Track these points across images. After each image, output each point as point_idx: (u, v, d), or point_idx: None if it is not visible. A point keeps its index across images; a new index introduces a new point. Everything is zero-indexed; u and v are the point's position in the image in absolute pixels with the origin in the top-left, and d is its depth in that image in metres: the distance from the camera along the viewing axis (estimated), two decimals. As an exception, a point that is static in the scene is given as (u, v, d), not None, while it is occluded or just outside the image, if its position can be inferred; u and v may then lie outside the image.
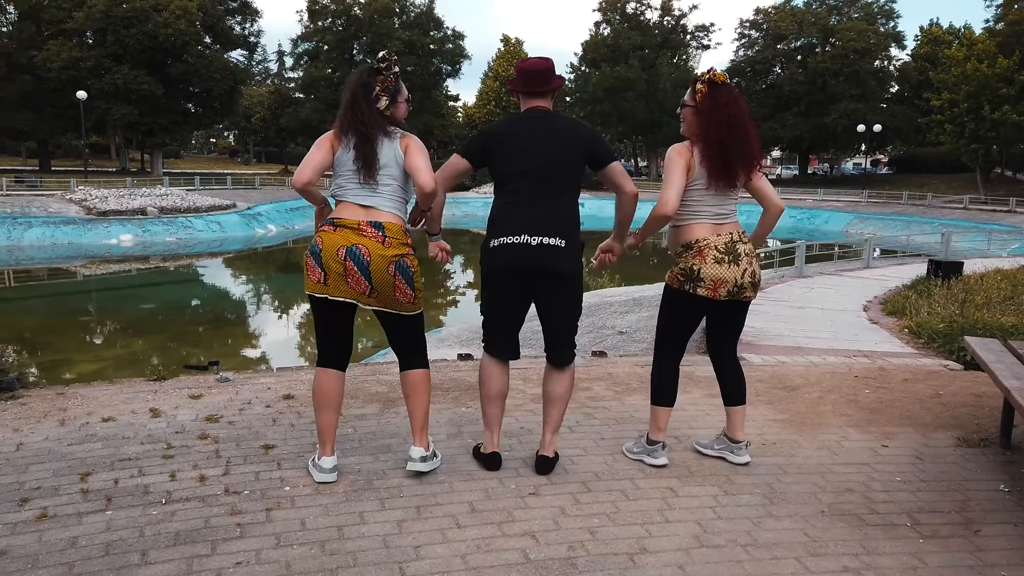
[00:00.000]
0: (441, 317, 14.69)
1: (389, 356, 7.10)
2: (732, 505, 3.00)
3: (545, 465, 3.26)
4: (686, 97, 3.30)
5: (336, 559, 2.51)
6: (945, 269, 9.56)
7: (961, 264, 10.02)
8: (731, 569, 2.51)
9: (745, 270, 3.20)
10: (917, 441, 3.80)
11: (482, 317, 3.31)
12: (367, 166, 2.99)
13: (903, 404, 4.42)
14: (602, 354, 5.53)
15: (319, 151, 3.09)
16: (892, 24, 53.61)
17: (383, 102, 3.03)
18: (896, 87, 55.28)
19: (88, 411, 3.94)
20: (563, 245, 3.09)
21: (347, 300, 3.01)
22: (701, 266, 3.17)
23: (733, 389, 3.47)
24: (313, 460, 3.17)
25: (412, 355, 3.20)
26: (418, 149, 3.07)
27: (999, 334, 5.56)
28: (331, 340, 3.17)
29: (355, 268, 2.93)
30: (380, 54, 3.09)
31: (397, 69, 3.07)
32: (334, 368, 3.18)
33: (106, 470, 3.18)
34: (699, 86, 3.22)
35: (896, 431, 3.95)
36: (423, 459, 3.16)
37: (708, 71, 3.23)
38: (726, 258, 3.17)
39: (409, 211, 3.19)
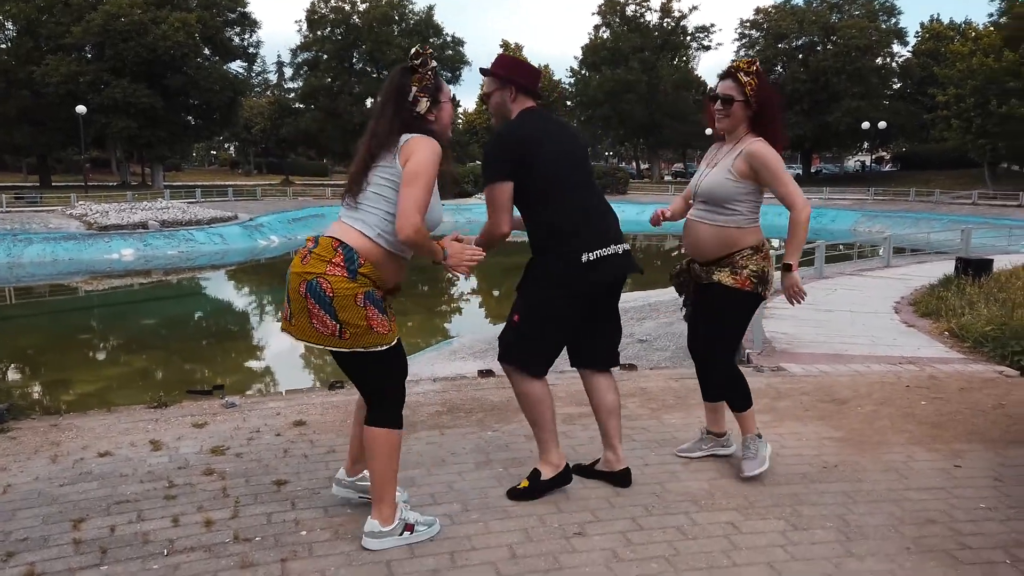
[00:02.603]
0: (446, 326, 14.36)
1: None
2: (805, 543, 2.66)
3: (628, 477, 3.14)
4: (731, 91, 3.03)
5: (364, 622, 2.18)
6: (975, 267, 9.20)
7: (991, 261, 9.67)
8: (819, 624, 2.18)
9: None
10: (991, 460, 3.46)
11: (531, 339, 2.93)
12: (352, 183, 2.57)
13: (965, 417, 4.08)
14: (632, 367, 5.20)
15: None
16: (893, 20, 53.24)
17: (423, 104, 2.56)
18: (899, 84, 54.88)
19: (83, 445, 3.62)
20: (629, 248, 3.01)
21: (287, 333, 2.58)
22: (769, 268, 3.08)
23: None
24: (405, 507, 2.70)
25: (369, 405, 2.68)
26: (411, 179, 2.46)
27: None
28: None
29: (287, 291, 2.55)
30: (413, 50, 2.61)
31: (435, 64, 2.62)
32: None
33: (101, 515, 2.86)
34: (745, 78, 3.00)
35: (965, 448, 3.61)
36: (371, 535, 2.59)
37: (746, 62, 3.03)
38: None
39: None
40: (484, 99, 3.01)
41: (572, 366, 3.22)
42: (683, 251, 3.29)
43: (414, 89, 2.58)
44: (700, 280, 3.21)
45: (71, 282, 21.40)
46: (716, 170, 3.10)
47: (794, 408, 4.24)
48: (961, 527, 2.79)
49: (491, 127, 3.10)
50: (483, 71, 3.00)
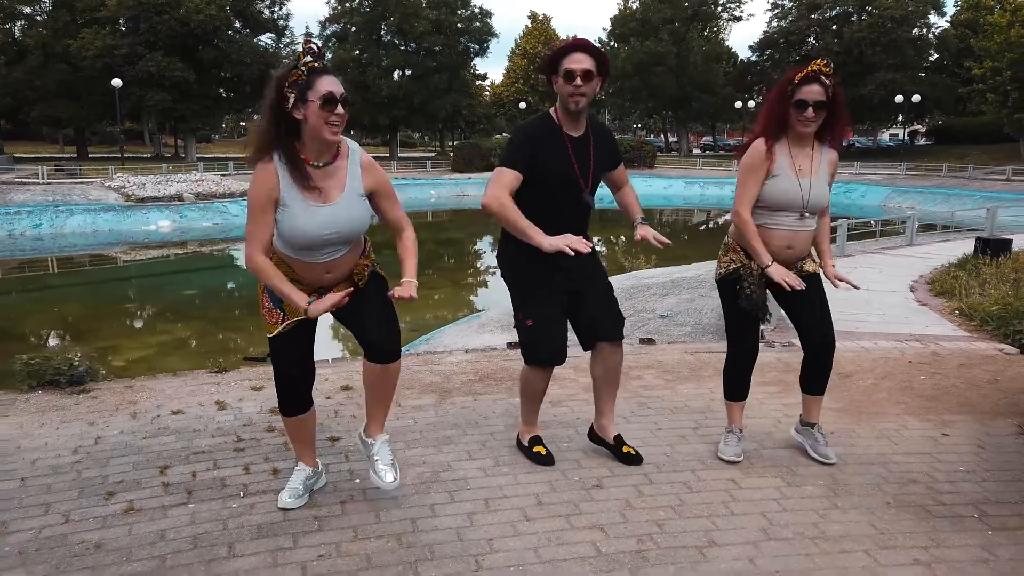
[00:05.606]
0: (472, 299, 14.76)
1: (434, 343, 7.18)
2: (796, 497, 3.02)
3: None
4: (822, 97, 2.97)
5: (414, 552, 2.59)
6: (993, 247, 9.37)
7: (1010, 241, 9.81)
8: (801, 563, 2.54)
9: None
10: (977, 429, 3.78)
11: None
12: None
13: (960, 391, 4.38)
14: (650, 341, 5.55)
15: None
16: (931, -10, 52.01)
17: (291, 100, 2.62)
18: (935, 56, 53.76)
19: (157, 404, 4.07)
20: None
21: None
22: None
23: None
24: None
25: None
26: None
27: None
28: None
29: None
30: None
31: (311, 59, 2.57)
32: None
33: (182, 463, 3.30)
34: (828, 80, 2.97)
35: (955, 419, 3.93)
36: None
37: (823, 63, 2.98)
38: None
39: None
40: (584, 76, 2.98)
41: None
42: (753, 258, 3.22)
43: (285, 85, 2.56)
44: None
45: (111, 252, 22.14)
46: (819, 181, 3.13)
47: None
48: (940, 487, 3.13)
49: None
50: (593, 50, 3.03)
